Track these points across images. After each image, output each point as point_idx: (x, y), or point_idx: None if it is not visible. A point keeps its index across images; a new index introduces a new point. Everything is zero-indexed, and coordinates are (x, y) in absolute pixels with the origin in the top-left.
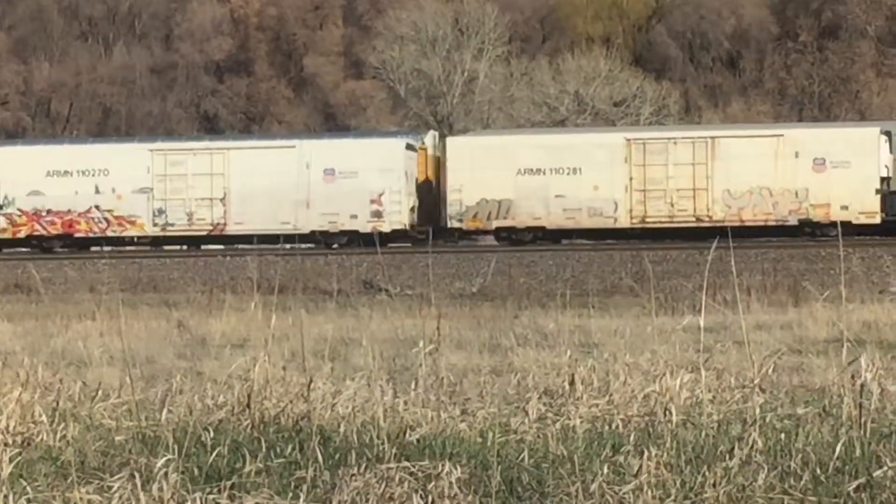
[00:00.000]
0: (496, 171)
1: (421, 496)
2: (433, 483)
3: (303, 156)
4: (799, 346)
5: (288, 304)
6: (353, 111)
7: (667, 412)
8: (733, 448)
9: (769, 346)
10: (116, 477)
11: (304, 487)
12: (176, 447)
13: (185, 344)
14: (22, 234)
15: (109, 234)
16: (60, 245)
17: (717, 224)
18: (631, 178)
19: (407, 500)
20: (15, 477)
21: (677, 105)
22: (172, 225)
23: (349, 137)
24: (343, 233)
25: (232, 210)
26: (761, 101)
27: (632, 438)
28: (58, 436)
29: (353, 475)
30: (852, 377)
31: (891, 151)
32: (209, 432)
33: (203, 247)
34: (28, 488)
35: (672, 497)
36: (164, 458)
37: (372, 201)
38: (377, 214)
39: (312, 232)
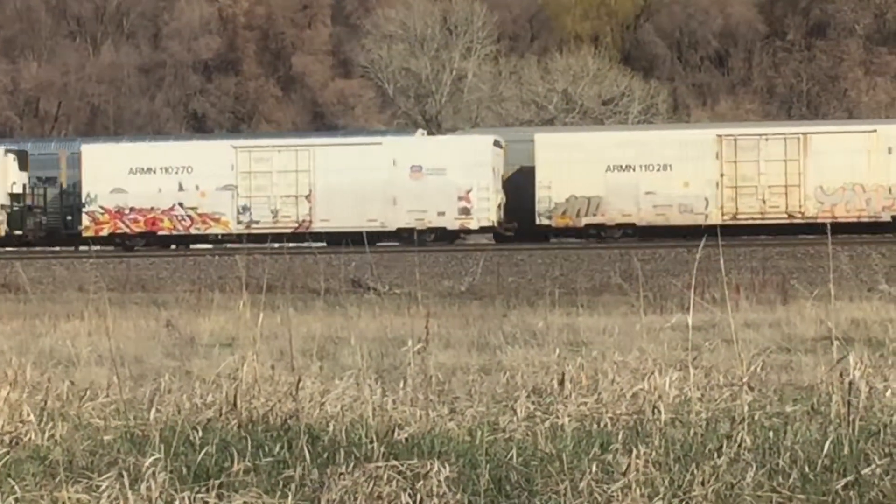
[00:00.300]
0: (585, 168)
1: (409, 495)
2: (422, 482)
3: (389, 153)
4: (787, 345)
5: (276, 303)
6: (341, 110)
7: (655, 410)
8: (722, 446)
9: (758, 345)
10: (104, 476)
11: (293, 486)
12: (164, 446)
13: (174, 343)
14: (104, 232)
15: (193, 231)
16: (144, 243)
17: (810, 220)
18: (722, 175)
19: (395, 499)
20: (3, 476)
21: (666, 104)
22: (257, 222)
23: (437, 134)
24: (430, 230)
25: (317, 207)
26: (749, 100)
27: (620, 437)
28: (46, 435)
29: (341, 474)
30: (841, 375)
31: None
32: (197, 431)
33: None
34: (16, 487)
35: (660, 495)
36: (152, 458)
37: (460, 198)
38: (465, 212)
39: (399, 229)
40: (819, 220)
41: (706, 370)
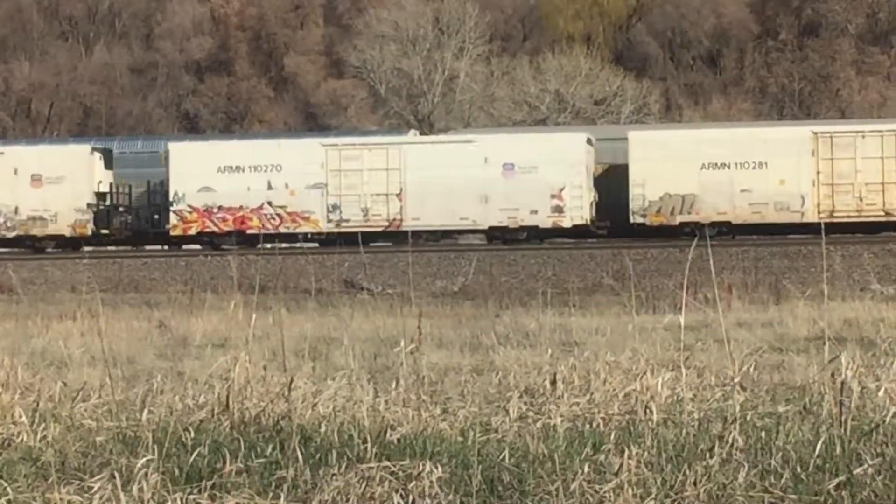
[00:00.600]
0: (680, 166)
1: (401, 496)
2: (414, 482)
3: (481, 151)
4: (780, 344)
5: (269, 304)
6: (333, 110)
7: (647, 410)
8: (714, 446)
9: (750, 345)
10: (97, 477)
11: (285, 487)
12: (156, 447)
13: (166, 344)
14: (193, 231)
15: (282, 230)
16: (232, 242)
17: None
18: (818, 172)
19: (387, 500)
20: None
21: (658, 104)
22: (347, 221)
23: (529, 132)
24: (522, 228)
25: (408, 206)
26: (742, 100)
27: (612, 437)
28: (38, 436)
29: (333, 475)
30: (833, 375)
31: None
32: (190, 432)
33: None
34: (8, 489)
35: (652, 496)
36: (145, 459)
37: (553, 196)
38: (558, 210)
39: (491, 228)
40: None
41: (698, 370)
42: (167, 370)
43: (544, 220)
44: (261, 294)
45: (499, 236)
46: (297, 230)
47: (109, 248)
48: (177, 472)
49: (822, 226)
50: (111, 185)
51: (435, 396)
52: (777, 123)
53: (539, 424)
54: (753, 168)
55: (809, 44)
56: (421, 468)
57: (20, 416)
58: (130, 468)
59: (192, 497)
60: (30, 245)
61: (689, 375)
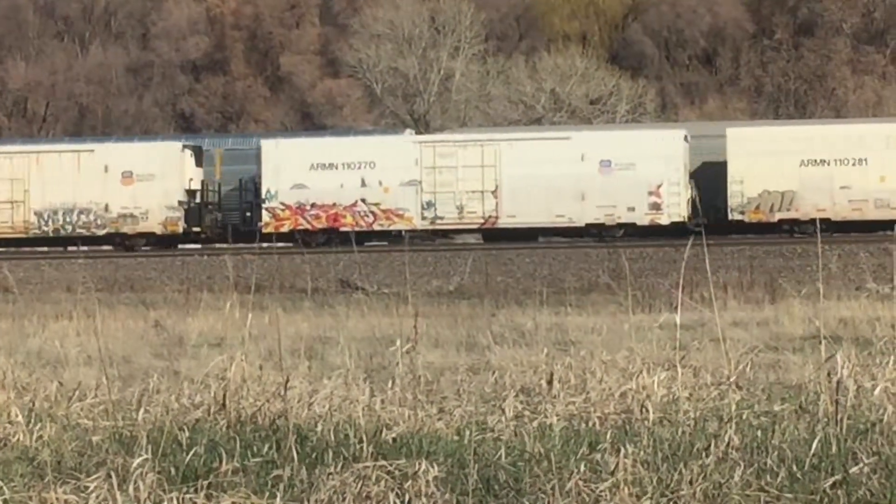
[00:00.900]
0: (779, 162)
1: (398, 495)
2: (410, 482)
3: (578, 147)
4: (775, 343)
5: (265, 304)
6: (329, 110)
7: (643, 410)
8: (710, 445)
9: (746, 344)
10: (93, 477)
11: (281, 486)
12: (152, 447)
13: (162, 343)
14: (285, 228)
15: (376, 227)
16: (324, 240)
17: None
18: None
19: (384, 499)
20: None
21: (653, 103)
22: (442, 218)
23: (625, 129)
24: (619, 225)
25: (504, 203)
26: (737, 99)
27: (608, 436)
28: (34, 436)
29: (329, 474)
30: (829, 374)
31: None
32: (186, 432)
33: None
34: (4, 489)
35: (648, 494)
36: (141, 458)
37: (650, 193)
38: (655, 207)
39: (587, 225)
40: None
41: (694, 369)
42: (163, 370)
43: (641, 218)
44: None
45: (595, 233)
46: (391, 227)
47: (104, 247)
48: (173, 471)
49: None
50: (203, 182)
51: (431, 396)
52: (877, 120)
53: (535, 423)
54: (853, 165)
55: (805, 43)
56: (417, 467)
57: (16, 416)
58: (126, 468)
59: (188, 496)
60: (119, 243)
61: (684, 375)
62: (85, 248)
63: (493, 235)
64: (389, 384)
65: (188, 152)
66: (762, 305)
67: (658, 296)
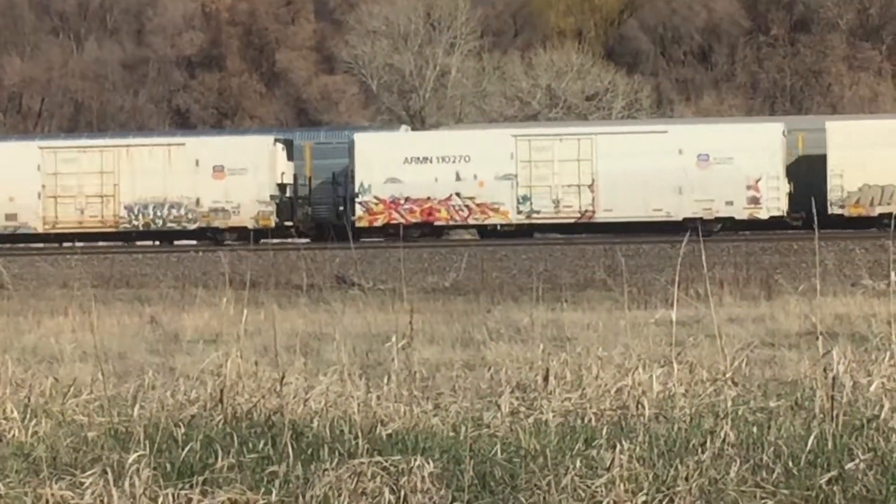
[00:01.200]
0: (880, 156)
1: (393, 491)
2: (405, 478)
3: (675, 141)
4: (771, 340)
5: (260, 299)
6: (325, 106)
7: (639, 406)
8: (706, 441)
9: (741, 340)
10: (88, 473)
11: (277, 482)
12: (148, 443)
13: (158, 339)
14: (379, 223)
15: (471, 221)
16: (419, 234)
17: None
18: None
19: (379, 495)
20: None
21: (649, 99)
22: (538, 212)
23: (722, 122)
24: (718, 220)
25: (600, 197)
26: (733, 95)
27: (604, 432)
28: (29, 432)
29: (325, 470)
30: (824, 370)
31: None
32: (181, 428)
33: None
34: (0, 485)
35: (644, 490)
36: (136, 454)
37: (748, 187)
38: (754, 201)
39: (685, 219)
40: None
41: (690, 366)
42: (159, 366)
43: (740, 212)
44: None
45: (693, 227)
46: (486, 222)
47: (100, 243)
48: (168, 467)
49: None
50: (294, 176)
51: (426, 392)
52: None
53: (531, 420)
54: None
55: (801, 39)
56: (412, 463)
57: (12, 412)
58: (122, 463)
59: (183, 492)
60: (210, 237)
61: (680, 371)
62: (80, 244)
63: (590, 230)
64: (385, 380)
65: (280, 146)
66: (758, 302)
67: (654, 292)
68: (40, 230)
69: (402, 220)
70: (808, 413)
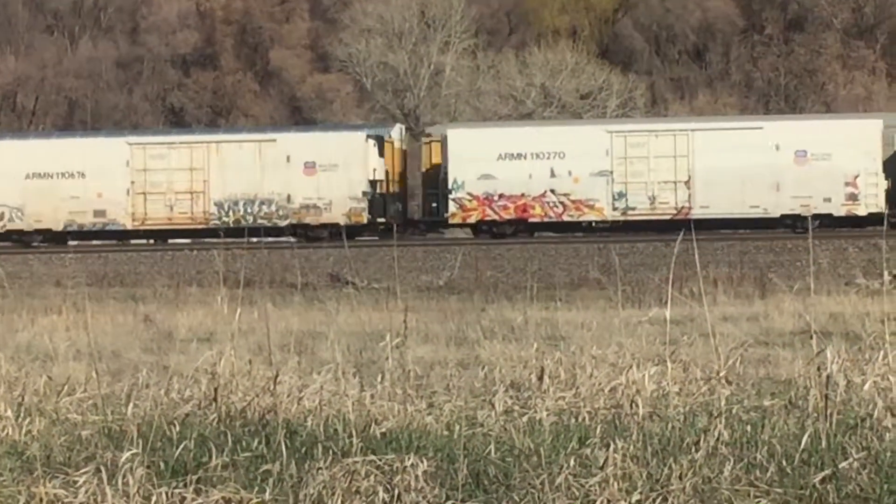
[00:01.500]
0: None
1: (387, 489)
2: (399, 476)
3: (771, 137)
4: (765, 338)
5: (254, 298)
6: (319, 104)
7: (633, 405)
8: (699, 440)
9: (735, 339)
10: (82, 471)
11: (271, 481)
12: (142, 441)
13: (152, 338)
14: (472, 219)
15: (566, 218)
16: (512, 231)
17: None
18: None
19: (373, 494)
20: None
21: (644, 98)
22: (633, 209)
23: (821, 119)
24: (815, 217)
25: (697, 193)
26: (727, 94)
27: (598, 431)
28: (23, 430)
29: (319, 469)
30: (818, 369)
31: None
32: (175, 426)
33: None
34: None
35: (638, 489)
36: (130, 453)
37: (847, 184)
38: (852, 197)
39: (782, 216)
40: None
41: (684, 364)
42: (152, 364)
43: (838, 209)
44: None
45: (790, 224)
46: (581, 218)
47: (94, 241)
48: (162, 465)
49: None
50: (386, 172)
51: (420, 390)
52: None
53: (525, 418)
54: None
55: (795, 38)
56: (406, 462)
57: (5, 411)
58: (116, 462)
59: (177, 491)
60: (301, 234)
61: (674, 369)
62: (74, 242)
63: (686, 226)
64: (379, 379)
65: (371, 142)
66: (752, 300)
67: (648, 291)
68: (129, 227)
69: (496, 217)
70: (802, 412)
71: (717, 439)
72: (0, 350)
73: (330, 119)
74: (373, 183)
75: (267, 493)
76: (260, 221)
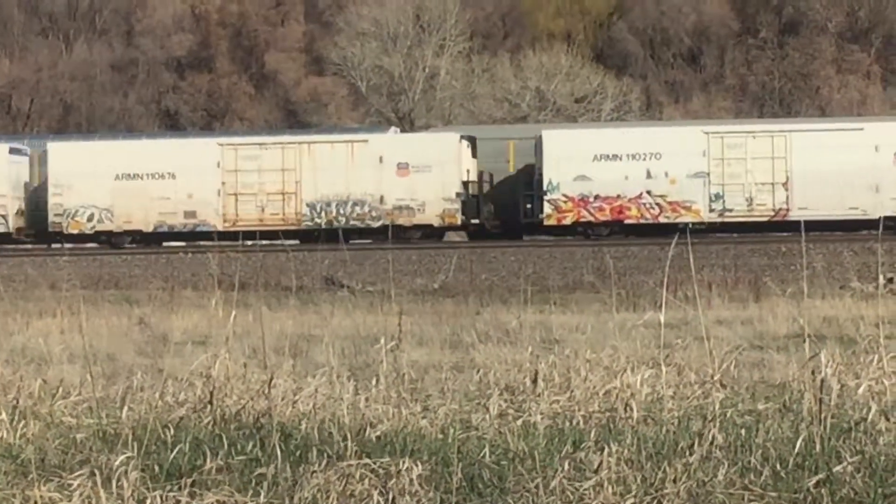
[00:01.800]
0: None
1: (381, 493)
2: (394, 480)
3: (871, 138)
4: (759, 342)
5: (249, 301)
6: (314, 108)
7: (627, 408)
8: (693, 444)
9: (730, 342)
10: (76, 475)
11: (265, 485)
12: (136, 445)
13: (146, 341)
14: (567, 221)
15: (662, 220)
16: (608, 233)
17: None
18: None
19: (367, 498)
20: None
21: (638, 101)
22: (730, 210)
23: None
24: None
25: (795, 195)
26: (722, 97)
27: (592, 435)
28: (18, 434)
29: (313, 472)
30: (813, 373)
31: None
32: (170, 430)
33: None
34: None
35: (632, 493)
36: (125, 456)
37: None
38: None
39: (883, 218)
40: None
41: (678, 368)
42: (147, 367)
43: None
44: (241, 291)
45: (892, 226)
46: (678, 220)
47: (88, 245)
48: (157, 469)
49: None
50: (479, 173)
51: (415, 394)
52: None
53: (519, 422)
54: None
55: (790, 42)
56: (401, 465)
57: (0, 414)
58: (110, 465)
59: (171, 494)
60: (393, 234)
61: (669, 373)
62: (69, 245)
63: (783, 228)
64: (374, 382)
65: (465, 143)
66: (746, 304)
67: (642, 294)
68: (220, 228)
69: (592, 219)
70: (796, 416)
71: (712, 443)
72: None
73: (325, 122)
74: (465, 184)
75: (261, 497)
76: (353, 223)
